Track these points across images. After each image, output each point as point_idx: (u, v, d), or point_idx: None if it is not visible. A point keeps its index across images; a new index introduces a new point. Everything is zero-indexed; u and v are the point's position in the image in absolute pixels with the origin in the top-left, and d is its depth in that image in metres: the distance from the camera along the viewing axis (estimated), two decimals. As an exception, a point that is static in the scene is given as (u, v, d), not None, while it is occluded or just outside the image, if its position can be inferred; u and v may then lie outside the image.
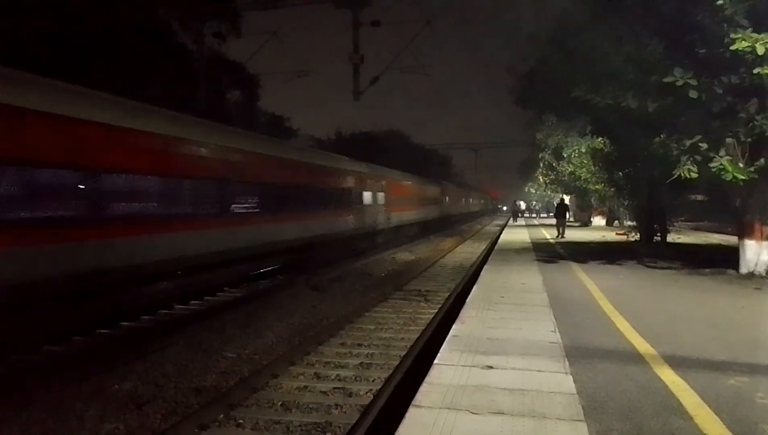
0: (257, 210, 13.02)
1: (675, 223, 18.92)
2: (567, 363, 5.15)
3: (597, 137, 18.09)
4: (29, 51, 15.18)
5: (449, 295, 12.21)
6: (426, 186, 35.44)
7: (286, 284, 13.48)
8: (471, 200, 62.47)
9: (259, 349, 8.14)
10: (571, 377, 4.74)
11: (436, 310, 10.65)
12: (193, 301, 11.25)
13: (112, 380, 6.67)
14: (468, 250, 24.45)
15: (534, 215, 59.22)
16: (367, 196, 21.76)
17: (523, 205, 67.76)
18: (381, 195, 23.77)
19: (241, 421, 5.51)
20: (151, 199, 9.78)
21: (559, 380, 4.67)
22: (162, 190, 9.94)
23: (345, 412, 5.77)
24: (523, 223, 43.10)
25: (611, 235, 24.08)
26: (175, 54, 20.39)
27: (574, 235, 25.15)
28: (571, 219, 31.64)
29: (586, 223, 35.54)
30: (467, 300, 8.44)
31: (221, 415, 5.57)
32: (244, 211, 12.66)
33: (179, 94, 19.46)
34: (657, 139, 10.36)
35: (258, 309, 10.76)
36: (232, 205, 12.09)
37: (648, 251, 15.25)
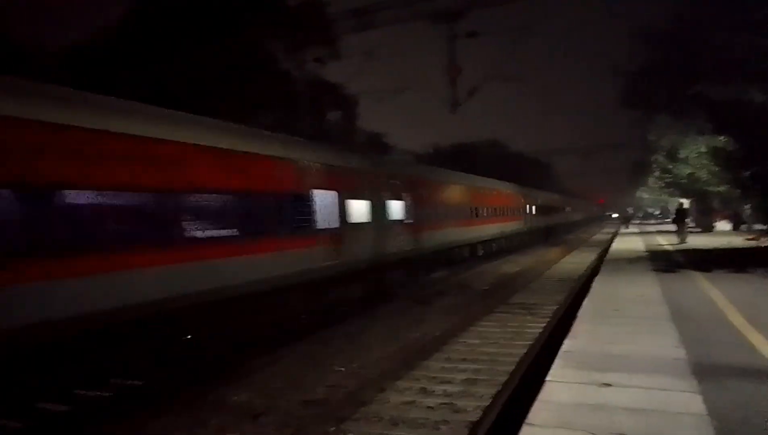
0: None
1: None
2: (695, 381, 4.72)
3: (719, 135, 16.63)
4: (158, 87, 16.79)
5: (557, 309, 11.70)
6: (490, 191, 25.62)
7: (391, 298, 13.61)
8: (567, 208, 53.83)
9: (366, 363, 8.24)
10: (700, 397, 4.34)
11: (543, 325, 10.23)
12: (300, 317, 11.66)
13: (230, 391, 7.05)
14: (575, 261, 23.35)
15: (647, 222, 55.46)
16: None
17: (632, 211, 63.79)
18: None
19: (350, 434, 5.59)
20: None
21: (686, 400, 4.29)
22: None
23: (453, 428, 5.67)
24: (636, 230, 40.48)
25: (738, 241, 21.95)
26: (280, 81, 21.55)
27: (695, 241, 23.19)
28: (692, 224, 29.31)
29: (708, 228, 32.69)
30: (578, 313, 8.03)
31: (332, 428, 5.68)
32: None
33: (285, 118, 20.51)
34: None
35: (365, 322, 10.93)
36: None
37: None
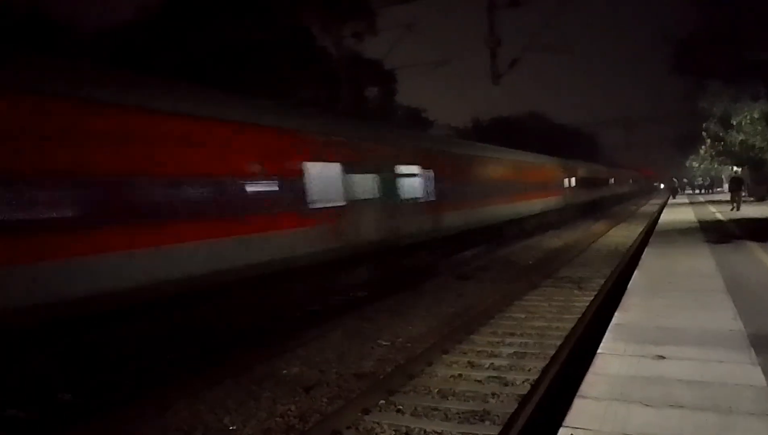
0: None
1: None
2: (753, 353, 4.59)
3: (775, 99, 15.80)
4: (195, 62, 17.07)
5: (605, 282, 11.49)
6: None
7: (432, 273, 13.64)
8: (612, 181, 48.87)
9: (412, 337, 8.34)
10: (759, 368, 4.23)
11: (591, 298, 10.09)
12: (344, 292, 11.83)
13: (281, 365, 7.26)
14: (623, 234, 22.80)
15: (698, 191, 53.50)
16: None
17: (679, 181, 61.57)
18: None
19: (400, 407, 5.69)
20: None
21: (745, 372, 4.18)
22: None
23: (502, 402, 5.71)
24: (686, 200, 39.08)
25: (797, 210, 20.95)
26: (317, 57, 21.55)
27: (749, 211, 22.25)
28: (745, 193, 28.08)
29: (762, 198, 31.27)
30: (629, 286, 7.87)
31: (382, 401, 5.80)
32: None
33: (322, 94, 20.56)
34: None
35: (407, 298, 11.02)
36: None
37: None
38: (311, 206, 9.15)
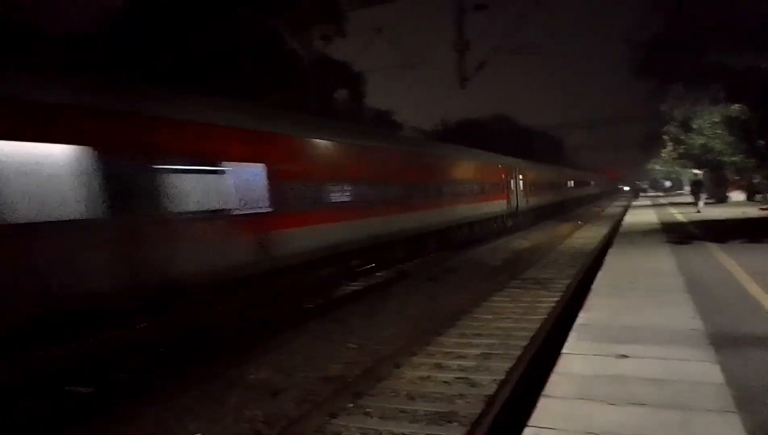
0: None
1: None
2: (712, 351, 4.72)
3: (733, 104, 16.33)
4: (161, 65, 16.75)
5: (570, 283, 11.68)
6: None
7: (402, 276, 13.65)
8: (571, 183, 46.08)
9: (381, 340, 8.31)
10: (718, 366, 4.34)
11: (557, 299, 10.24)
12: (315, 295, 11.75)
13: (249, 370, 7.14)
14: (587, 235, 23.25)
15: (661, 193, 55.00)
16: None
17: (643, 184, 63.17)
18: None
19: (368, 410, 5.66)
20: None
21: (704, 369, 4.29)
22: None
23: (469, 402, 5.72)
24: (649, 202, 40.09)
25: (754, 211, 21.69)
26: (286, 60, 21.42)
27: (709, 212, 22.97)
28: (705, 195, 29.03)
29: (722, 199, 32.32)
30: (593, 287, 8.01)
31: (349, 404, 5.75)
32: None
33: (291, 97, 20.42)
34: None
35: (377, 301, 10.99)
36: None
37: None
38: None
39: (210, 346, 7.86)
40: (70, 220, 6.02)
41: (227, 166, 8.33)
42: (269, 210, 9.14)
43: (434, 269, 14.59)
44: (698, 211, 22.95)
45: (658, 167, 50.12)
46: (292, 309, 9.97)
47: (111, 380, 6.79)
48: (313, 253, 10.36)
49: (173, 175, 7.40)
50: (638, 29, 13.87)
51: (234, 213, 8.43)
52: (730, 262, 9.55)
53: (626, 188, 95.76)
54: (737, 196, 32.39)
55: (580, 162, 72.98)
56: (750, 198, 30.49)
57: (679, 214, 23.10)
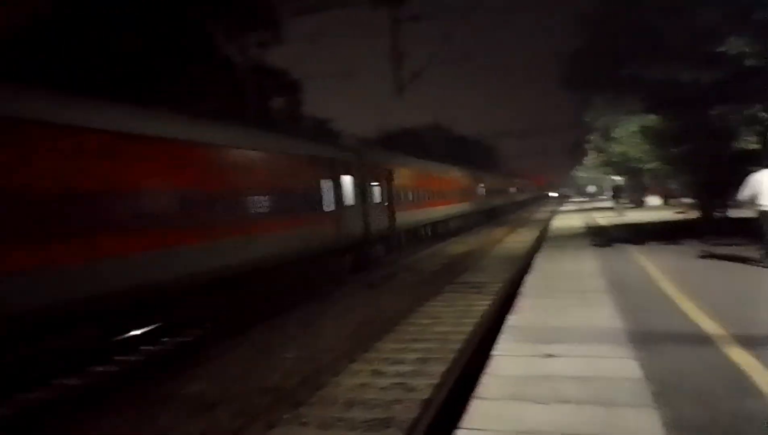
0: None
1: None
2: (632, 348, 5.02)
3: (649, 114, 17.43)
4: (83, 70, 15.98)
5: (503, 286, 12.08)
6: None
7: (341, 283, 13.65)
8: (482, 189, 39.11)
9: (320, 348, 8.28)
10: (637, 362, 4.63)
11: (490, 302, 10.56)
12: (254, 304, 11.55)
13: (182, 384, 6.94)
14: (519, 239, 24.09)
15: (585, 199, 57.69)
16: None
17: (569, 190, 66.10)
18: None
19: (306, 419, 5.64)
20: None
21: (624, 366, 4.56)
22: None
23: (406, 407, 5.81)
24: (575, 207, 42.03)
25: (669, 214, 23.22)
26: (221, 66, 20.99)
27: (628, 216, 24.40)
28: (625, 200, 30.83)
29: (640, 204, 34.38)
30: (522, 289, 8.34)
31: (287, 415, 5.71)
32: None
33: (226, 104, 20.00)
34: (713, 111, 9.96)
35: (316, 308, 10.95)
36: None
37: (710, 229, 14.60)
38: None
39: (142, 360, 7.59)
40: None
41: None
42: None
43: (373, 276, 14.68)
44: (618, 215, 24.39)
45: (583, 174, 52.65)
46: (225, 319, 9.76)
47: (29, 401, 6.41)
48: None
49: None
50: (565, 43, 14.60)
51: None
52: (647, 263, 10.19)
53: (554, 194, 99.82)
54: (654, 200, 34.57)
55: (512, 169, 75.46)
56: (665, 202, 32.59)
57: (601, 219, 24.38)
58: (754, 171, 9.21)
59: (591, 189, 55.45)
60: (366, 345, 8.12)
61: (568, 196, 59.31)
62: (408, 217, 19.79)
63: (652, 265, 9.97)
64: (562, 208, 42.69)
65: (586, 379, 4.28)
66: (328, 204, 13.37)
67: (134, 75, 17.20)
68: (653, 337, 5.42)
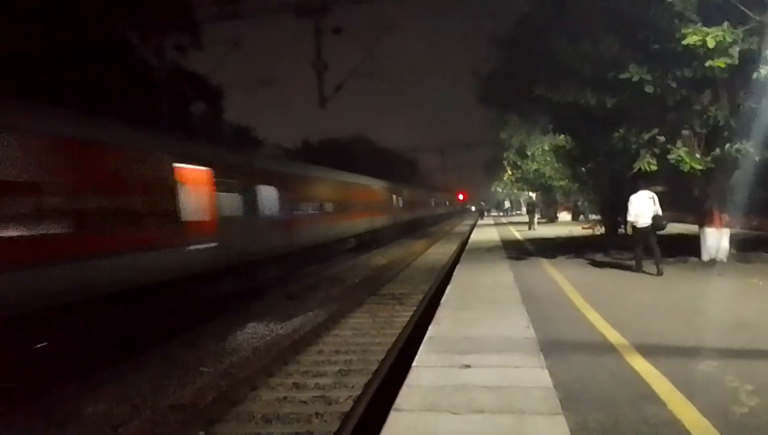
0: None
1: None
2: (542, 357, 5.25)
3: (559, 134, 18.47)
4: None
5: (423, 297, 12.28)
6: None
7: (260, 294, 13.35)
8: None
9: (237, 362, 8.06)
10: (547, 371, 4.83)
11: (411, 313, 10.70)
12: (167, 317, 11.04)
13: (86, 402, 6.51)
14: (440, 251, 24.62)
15: (502, 214, 59.96)
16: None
17: (485, 204, 68.44)
18: None
19: (221, 437, 5.45)
20: None
21: (535, 375, 4.76)
22: None
23: (326, 421, 5.77)
24: (492, 221, 43.59)
25: (577, 230, 24.58)
26: (135, 68, 20.05)
27: (541, 231, 25.63)
28: (538, 215, 32.41)
29: (552, 219, 36.22)
30: (442, 301, 8.52)
31: (201, 432, 5.49)
32: None
33: (141, 108, 19.12)
34: (616, 133, 10.70)
35: (234, 321, 10.63)
36: None
37: (614, 243, 15.63)
38: None
39: (40, 376, 7.02)
40: None
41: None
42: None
43: (294, 287, 14.48)
44: (532, 229, 26.27)
45: (500, 189, 54.73)
46: (136, 333, 9.26)
47: None
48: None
49: None
50: (482, 61, 15.18)
51: None
52: (558, 276, 10.73)
53: (473, 208, 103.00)
54: (565, 216, 36.53)
55: (432, 183, 77.15)
56: (574, 218, 34.52)
57: (517, 233, 25.44)
58: (635, 192, 10.22)
59: (507, 204, 57.73)
60: (286, 357, 7.98)
61: (487, 211, 61.33)
62: (307, 233, 17.38)
63: (562, 277, 10.52)
64: (481, 222, 44.12)
65: (500, 389, 4.42)
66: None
67: (37, 72, 16.09)
68: (562, 346, 5.71)
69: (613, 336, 6.01)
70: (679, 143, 10.16)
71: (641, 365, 4.95)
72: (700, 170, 10.08)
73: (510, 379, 4.64)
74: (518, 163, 31.52)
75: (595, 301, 7.94)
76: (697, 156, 10.24)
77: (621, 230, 18.51)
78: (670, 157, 10.02)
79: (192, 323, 10.27)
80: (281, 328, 10.07)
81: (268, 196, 14.59)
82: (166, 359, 8.22)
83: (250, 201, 13.59)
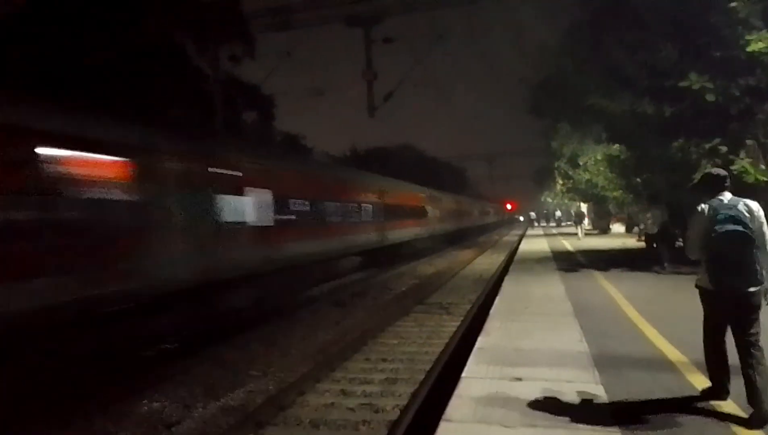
0: None
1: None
2: (596, 372, 5.10)
3: (613, 144, 17.97)
4: (50, 77, 15.61)
5: (471, 307, 12.14)
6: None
7: (308, 300, 13.51)
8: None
9: (285, 367, 8.16)
10: (602, 387, 4.70)
11: (458, 323, 10.59)
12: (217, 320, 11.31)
13: (142, 401, 6.73)
14: (487, 262, 24.32)
15: (553, 224, 58.73)
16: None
17: (534, 214, 67.05)
18: None
19: (270, 439, 5.53)
20: None
21: (590, 390, 4.63)
22: None
23: (373, 429, 5.76)
24: (542, 232, 42.72)
25: (631, 242, 23.78)
26: (191, 77, 20.76)
27: (593, 242, 24.91)
28: (589, 226, 31.61)
29: (605, 231, 35.16)
30: (491, 311, 8.40)
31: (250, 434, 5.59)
32: None
33: (197, 116, 19.77)
34: (675, 143, 10.33)
35: (281, 326, 10.80)
36: None
37: (671, 256, 15.01)
38: None
39: (91, 377, 7.31)
40: None
41: None
42: None
43: (342, 294, 14.59)
44: (579, 239, 26.40)
45: (550, 199, 53.66)
46: (187, 336, 9.53)
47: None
48: None
49: None
50: (532, 71, 14.96)
51: None
52: (612, 288, 10.41)
53: (521, 218, 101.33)
54: (618, 228, 35.40)
55: (482, 192, 76.45)
56: (628, 230, 33.41)
57: (567, 244, 24.82)
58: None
59: (558, 213, 56.49)
60: (333, 364, 8.03)
61: (536, 221, 60.20)
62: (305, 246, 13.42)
63: (616, 290, 10.18)
64: (530, 232, 43.36)
65: (553, 403, 4.32)
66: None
67: (101, 78, 16.89)
68: (616, 361, 5.52)
69: (672, 353, 5.77)
70: (742, 154, 9.73)
71: (703, 384, 4.73)
72: (764, 181, 9.61)
73: (563, 394, 4.52)
74: (569, 173, 30.85)
75: (653, 316, 7.65)
76: (762, 166, 9.78)
77: (679, 243, 17.80)
78: (733, 168, 9.59)
79: (241, 328, 10.48)
80: (329, 335, 10.14)
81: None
82: (217, 362, 8.40)
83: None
